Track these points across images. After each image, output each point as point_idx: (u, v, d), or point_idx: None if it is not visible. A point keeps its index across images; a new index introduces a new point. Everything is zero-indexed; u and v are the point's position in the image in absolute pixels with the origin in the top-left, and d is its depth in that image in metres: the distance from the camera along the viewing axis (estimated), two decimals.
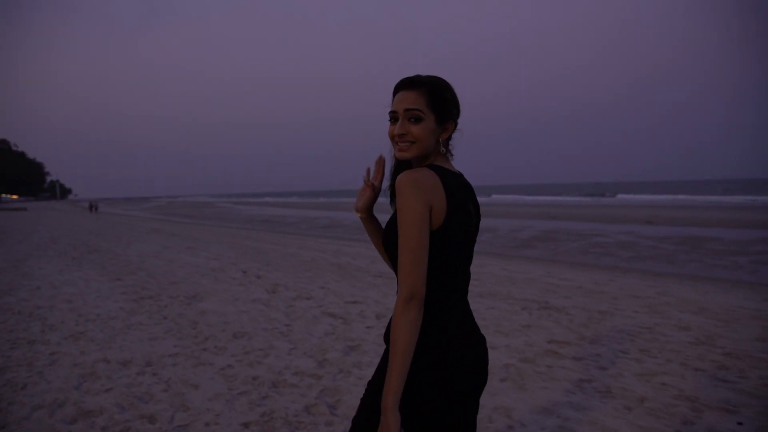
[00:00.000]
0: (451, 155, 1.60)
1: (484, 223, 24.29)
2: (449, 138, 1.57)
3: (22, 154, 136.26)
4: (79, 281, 8.25)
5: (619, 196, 66.62)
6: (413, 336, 1.35)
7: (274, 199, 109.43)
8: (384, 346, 1.80)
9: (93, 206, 51.78)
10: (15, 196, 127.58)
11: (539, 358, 4.50)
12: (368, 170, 1.74)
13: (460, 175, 1.56)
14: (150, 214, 45.93)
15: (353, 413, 2.91)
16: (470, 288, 7.34)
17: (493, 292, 7.46)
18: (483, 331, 5.62)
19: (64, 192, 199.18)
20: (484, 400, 3.55)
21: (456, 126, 1.58)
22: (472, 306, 6.69)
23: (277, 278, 8.43)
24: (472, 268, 9.90)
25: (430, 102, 1.50)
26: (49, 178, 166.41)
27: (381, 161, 1.72)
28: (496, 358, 4.44)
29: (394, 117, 1.54)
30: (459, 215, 1.44)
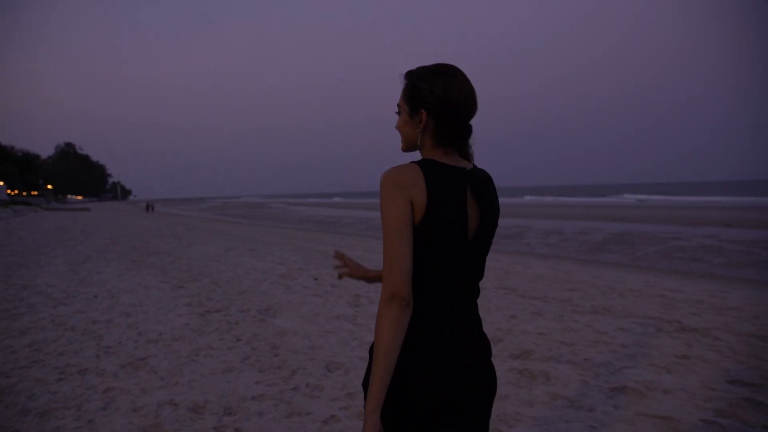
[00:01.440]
0: (446, 148, 1.43)
1: (548, 224, 23.21)
2: (447, 129, 1.41)
3: (86, 157, 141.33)
4: (139, 288, 7.47)
5: (654, 197, 63.27)
6: (396, 337, 1.27)
7: (317, 200, 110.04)
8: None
9: (150, 206, 52.55)
10: (80, 197, 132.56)
11: (740, 410, 3.31)
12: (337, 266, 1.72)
13: (462, 170, 1.41)
14: (207, 215, 46.13)
15: None
16: (580, 303, 6.17)
17: (606, 306, 6.29)
18: (632, 361, 4.49)
19: (125, 193, 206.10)
20: None
21: (425, 116, 1.41)
22: (598, 327, 5.59)
23: (354, 287, 7.44)
24: (571, 273, 9.16)
25: (406, 94, 1.45)
26: (111, 180, 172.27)
27: (337, 254, 1.74)
28: (683, 410, 3.29)
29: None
30: (442, 213, 1.32)
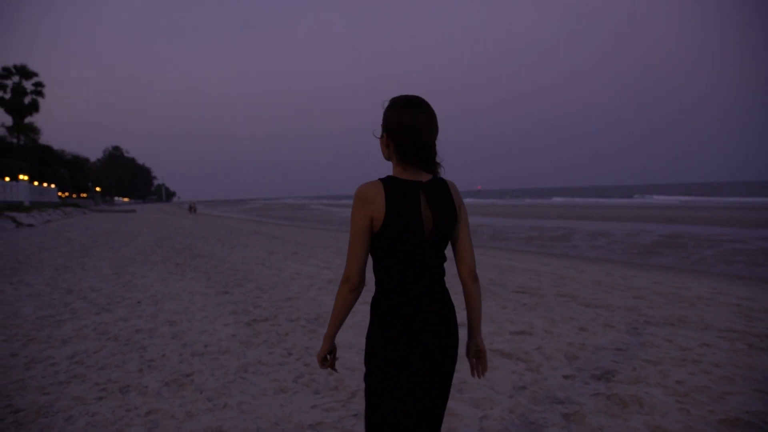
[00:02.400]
0: (405, 164, 1.78)
1: (593, 226, 22.59)
2: (404, 149, 1.76)
3: (133, 160, 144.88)
4: (183, 294, 7.22)
5: (693, 198, 60.99)
6: (342, 308, 1.77)
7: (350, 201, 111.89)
8: None
9: (192, 208, 53.36)
10: (126, 199, 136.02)
11: None
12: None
13: (418, 183, 1.77)
14: (248, 216, 46.49)
15: None
16: (650, 312, 5.79)
17: (680, 317, 5.76)
18: (733, 386, 3.91)
19: (169, 195, 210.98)
20: None
21: (386, 137, 1.79)
22: (680, 342, 4.92)
23: None
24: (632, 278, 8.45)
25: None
26: (156, 182, 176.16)
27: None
28: None
29: None
30: (398, 220, 1.69)
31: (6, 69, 56.84)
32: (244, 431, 2.98)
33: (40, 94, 58.71)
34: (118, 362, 4.29)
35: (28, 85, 58.01)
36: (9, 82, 57.09)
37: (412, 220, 1.71)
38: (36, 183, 50.26)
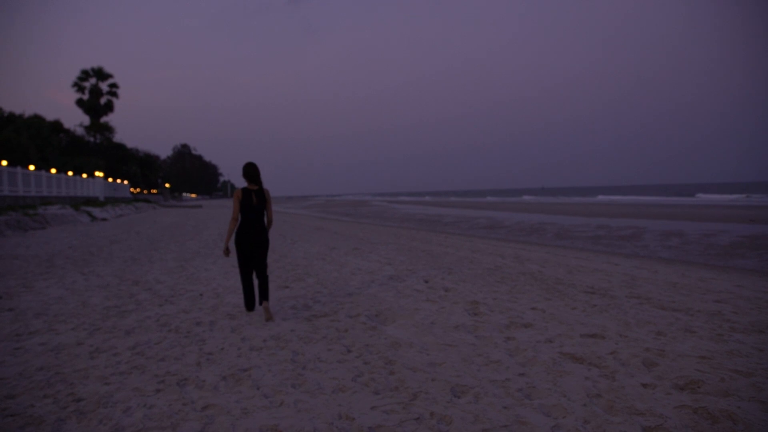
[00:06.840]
0: (249, 183, 5.58)
1: (669, 226, 21.45)
2: (247, 180, 5.59)
3: (200, 157, 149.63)
4: None
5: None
6: (231, 228, 5.59)
7: (409, 198, 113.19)
8: None
9: None
10: (194, 195, 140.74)
11: None
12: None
13: (253, 189, 5.58)
14: (310, 212, 47.05)
15: None
16: (734, 318, 5.66)
17: None
18: None
19: (235, 191, 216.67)
20: None
21: (243, 176, 5.61)
22: None
23: (469, 292, 6.77)
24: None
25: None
26: (221, 179, 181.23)
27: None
28: None
29: None
30: (245, 200, 5.52)
31: (84, 72, 59.88)
32: (300, 431, 2.84)
33: (114, 95, 61.57)
34: (177, 354, 4.28)
35: (104, 86, 60.96)
36: (87, 84, 60.15)
37: (249, 200, 5.48)
38: (110, 179, 52.65)
